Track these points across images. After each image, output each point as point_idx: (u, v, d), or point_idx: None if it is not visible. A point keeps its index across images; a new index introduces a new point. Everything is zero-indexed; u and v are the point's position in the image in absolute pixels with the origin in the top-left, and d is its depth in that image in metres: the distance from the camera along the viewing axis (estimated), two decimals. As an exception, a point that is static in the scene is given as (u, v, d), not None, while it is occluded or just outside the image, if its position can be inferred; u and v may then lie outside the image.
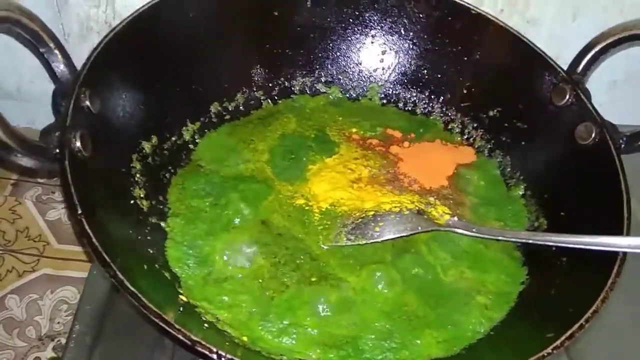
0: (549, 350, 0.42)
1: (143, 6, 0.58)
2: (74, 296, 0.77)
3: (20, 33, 0.46)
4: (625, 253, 0.48)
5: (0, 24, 0.43)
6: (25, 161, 0.44)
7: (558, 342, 0.43)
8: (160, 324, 0.39)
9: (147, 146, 0.59)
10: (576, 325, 0.44)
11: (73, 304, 0.76)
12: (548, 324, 0.47)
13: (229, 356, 0.38)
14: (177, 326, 0.39)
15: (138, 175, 0.56)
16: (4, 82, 0.85)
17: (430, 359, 0.51)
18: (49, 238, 0.82)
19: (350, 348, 0.50)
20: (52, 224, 0.83)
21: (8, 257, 0.79)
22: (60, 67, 0.50)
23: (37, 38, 0.47)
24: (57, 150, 0.45)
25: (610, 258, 0.49)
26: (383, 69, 0.74)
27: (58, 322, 0.75)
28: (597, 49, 0.62)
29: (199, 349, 0.38)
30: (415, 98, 0.73)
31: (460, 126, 0.72)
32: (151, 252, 0.52)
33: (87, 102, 0.50)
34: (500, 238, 0.58)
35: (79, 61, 0.52)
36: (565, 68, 0.64)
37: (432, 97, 0.73)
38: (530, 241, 0.56)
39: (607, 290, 0.46)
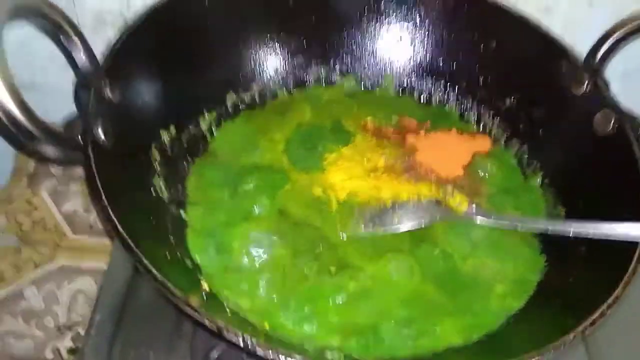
0: (570, 337, 0.42)
1: (160, -1, 0.58)
2: (91, 286, 0.78)
3: (43, 23, 0.46)
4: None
5: (25, 13, 0.44)
6: (50, 150, 0.44)
7: (579, 329, 0.43)
8: (187, 311, 0.39)
9: (165, 136, 0.59)
10: (598, 312, 0.44)
11: (90, 295, 0.77)
12: (568, 312, 0.47)
13: (254, 340, 0.38)
14: (204, 313, 0.39)
15: (157, 165, 0.57)
16: (18, 74, 0.84)
17: (449, 346, 0.51)
18: (65, 229, 0.83)
19: (370, 335, 0.50)
20: (68, 216, 0.84)
21: (25, 249, 0.80)
22: (82, 57, 0.50)
23: (59, 29, 0.48)
24: (81, 140, 0.46)
25: (630, 245, 0.48)
26: (398, 58, 0.73)
27: (76, 313, 0.76)
28: (615, 36, 0.61)
29: (225, 334, 0.39)
30: (431, 87, 0.73)
31: (476, 115, 0.71)
32: (172, 240, 0.52)
33: (109, 93, 0.50)
34: (519, 225, 0.58)
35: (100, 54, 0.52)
36: (582, 55, 0.63)
37: (448, 86, 0.72)
38: (550, 229, 0.56)
39: (630, 275, 0.46)
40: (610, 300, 0.45)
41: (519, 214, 0.62)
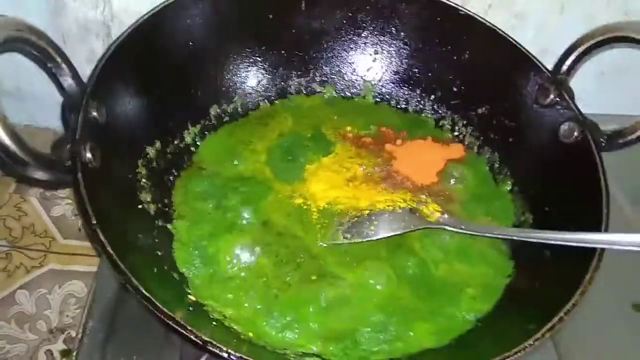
0: (530, 342, 0.46)
1: (143, 16, 0.60)
2: (81, 290, 0.80)
3: (30, 51, 0.48)
4: (603, 249, 0.51)
5: (12, 44, 0.45)
6: (40, 175, 0.46)
7: (539, 334, 0.46)
8: (174, 326, 0.42)
9: (151, 151, 0.61)
10: (556, 318, 0.47)
11: (81, 298, 0.79)
12: (531, 316, 0.50)
13: (238, 355, 0.41)
14: (188, 327, 0.42)
15: (144, 180, 0.59)
16: (3, 81, 0.86)
17: (422, 349, 0.54)
18: (55, 234, 0.85)
19: (348, 341, 0.53)
20: (57, 220, 0.86)
21: (15, 254, 0.82)
22: (68, 80, 0.52)
23: (45, 55, 0.49)
24: (70, 163, 0.48)
25: (589, 253, 0.52)
26: (375, 68, 0.76)
27: (67, 315, 0.78)
28: (581, 49, 0.64)
29: (210, 348, 0.42)
30: (407, 96, 0.76)
31: (450, 123, 0.74)
32: (159, 254, 0.55)
33: (95, 113, 0.52)
34: (487, 235, 0.61)
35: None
36: (555, 60, 0.66)
37: (424, 95, 0.75)
38: (515, 238, 0.60)
39: (586, 284, 0.49)
40: (568, 307, 0.48)
41: (490, 219, 0.66)
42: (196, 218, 0.60)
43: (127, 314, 0.62)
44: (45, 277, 0.81)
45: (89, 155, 0.49)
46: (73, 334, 0.76)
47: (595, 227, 0.54)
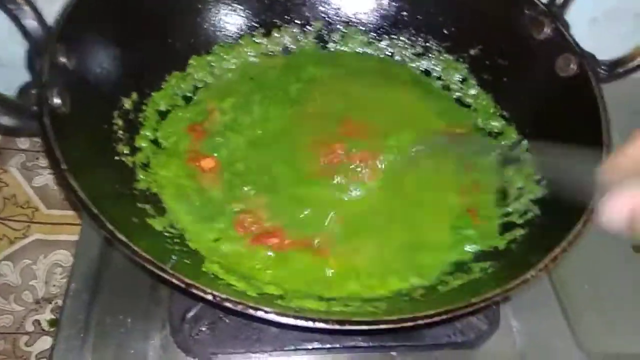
0: (532, 273, 0.44)
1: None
2: (67, 259, 0.78)
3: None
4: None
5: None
6: (6, 120, 0.44)
7: (541, 265, 0.44)
8: (155, 270, 0.40)
9: (127, 103, 0.58)
10: (558, 249, 0.45)
11: (67, 267, 0.77)
12: (534, 249, 0.49)
13: (223, 296, 0.39)
14: (171, 271, 0.40)
15: (121, 132, 0.56)
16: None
17: None
18: (38, 204, 0.82)
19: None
20: (40, 190, 0.83)
21: (-2, 225, 0.79)
22: (32, 23, 0.48)
23: (3, -7, 0.46)
24: (36, 108, 0.45)
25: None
26: (364, 12, 0.72)
27: (54, 285, 0.76)
28: (575, -22, 0.61)
29: (194, 291, 0.39)
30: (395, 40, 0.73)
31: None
32: (139, 205, 0.52)
33: (63, 58, 0.49)
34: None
35: (51, 20, 0.50)
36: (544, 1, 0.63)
37: (415, 39, 0.72)
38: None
39: (589, 213, 0.47)
40: (571, 237, 0.46)
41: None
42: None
43: (111, 275, 0.60)
44: (29, 248, 0.78)
45: (57, 100, 0.46)
46: (60, 303, 0.74)
47: (596, 159, 0.51)
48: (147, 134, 0.59)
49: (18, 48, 0.70)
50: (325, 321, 0.39)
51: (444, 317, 0.40)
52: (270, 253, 0.53)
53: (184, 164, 0.59)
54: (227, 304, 0.39)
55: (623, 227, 0.31)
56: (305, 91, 0.67)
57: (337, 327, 0.38)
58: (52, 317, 0.74)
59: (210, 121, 0.63)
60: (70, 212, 0.81)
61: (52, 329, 0.73)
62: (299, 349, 0.55)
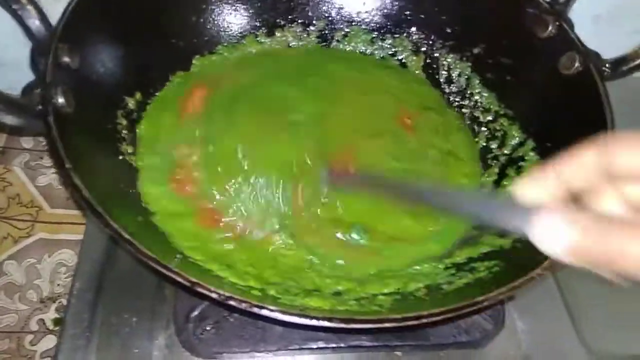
0: (538, 271, 0.43)
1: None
2: (71, 258, 0.78)
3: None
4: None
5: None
6: (10, 119, 0.44)
7: (546, 264, 0.44)
8: (160, 269, 0.40)
9: (131, 102, 0.58)
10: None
11: (71, 266, 0.77)
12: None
13: (227, 294, 0.39)
14: (176, 270, 0.40)
15: (125, 132, 0.56)
16: (-21, 50, 0.83)
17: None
18: (42, 203, 0.82)
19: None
20: (44, 189, 0.83)
21: (2, 224, 0.79)
22: (35, 23, 0.49)
23: (8, -7, 0.46)
24: (40, 107, 0.45)
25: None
26: (367, 11, 0.72)
27: (58, 284, 0.76)
28: (578, -24, 0.61)
29: (199, 289, 0.39)
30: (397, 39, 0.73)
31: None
32: (144, 205, 0.52)
33: (67, 58, 0.49)
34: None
35: (55, 20, 0.50)
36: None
37: (418, 38, 0.72)
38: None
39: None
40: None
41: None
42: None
43: (115, 274, 0.60)
44: (34, 247, 0.78)
45: (61, 99, 0.46)
46: (65, 302, 0.74)
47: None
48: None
49: (21, 47, 0.71)
50: (330, 319, 0.39)
51: (450, 315, 0.39)
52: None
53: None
54: (231, 302, 0.39)
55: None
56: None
57: (342, 325, 0.38)
58: (57, 316, 0.73)
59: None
60: (74, 212, 0.81)
61: (56, 328, 0.73)
62: (304, 348, 0.55)
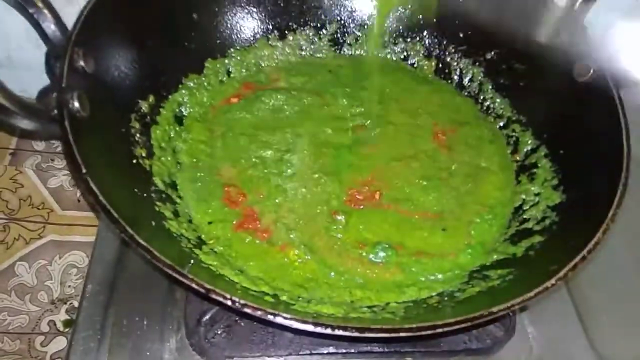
0: (552, 281, 0.43)
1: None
2: (82, 260, 0.78)
3: (9, -6, 0.45)
4: (625, 184, 0.48)
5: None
6: (26, 123, 0.44)
7: (561, 274, 0.44)
8: (175, 275, 0.40)
9: (144, 105, 0.59)
10: (578, 257, 0.45)
11: (82, 268, 0.77)
12: (553, 258, 0.48)
13: (242, 302, 0.39)
14: (191, 276, 0.40)
15: (138, 135, 0.56)
16: (-7, 51, 0.83)
17: None
18: (53, 205, 0.83)
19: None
20: (55, 191, 0.84)
21: (13, 226, 0.80)
22: (51, 27, 0.49)
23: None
24: (56, 111, 0.45)
25: (612, 192, 0.49)
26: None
27: (69, 286, 0.76)
28: (593, -17, 0.61)
29: (214, 296, 0.39)
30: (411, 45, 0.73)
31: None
32: (157, 208, 0.52)
33: (82, 62, 0.49)
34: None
35: (70, 21, 0.51)
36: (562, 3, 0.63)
37: (430, 42, 0.72)
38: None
39: (608, 222, 0.46)
40: (591, 245, 0.45)
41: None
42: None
43: (127, 277, 0.60)
44: (45, 249, 0.79)
45: (76, 104, 0.46)
46: (75, 304, 0.74)
47: (617, 165, 0.51)
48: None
49: (33, 49, 0.71)
50: (345, 328, 0.39)
51: (464, 325, 0.39)
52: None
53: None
54: (247, 310, 0.39)
55: None
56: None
57: (357, 334, 0.38)
58: (67, 317, 0.74)
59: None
60: (85, 213, 0.82)
61: (66, 330, 0.73)
62: (314, 354, 0.55)
